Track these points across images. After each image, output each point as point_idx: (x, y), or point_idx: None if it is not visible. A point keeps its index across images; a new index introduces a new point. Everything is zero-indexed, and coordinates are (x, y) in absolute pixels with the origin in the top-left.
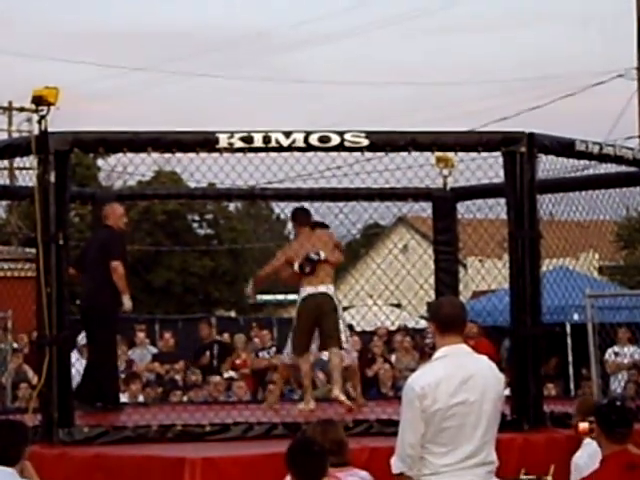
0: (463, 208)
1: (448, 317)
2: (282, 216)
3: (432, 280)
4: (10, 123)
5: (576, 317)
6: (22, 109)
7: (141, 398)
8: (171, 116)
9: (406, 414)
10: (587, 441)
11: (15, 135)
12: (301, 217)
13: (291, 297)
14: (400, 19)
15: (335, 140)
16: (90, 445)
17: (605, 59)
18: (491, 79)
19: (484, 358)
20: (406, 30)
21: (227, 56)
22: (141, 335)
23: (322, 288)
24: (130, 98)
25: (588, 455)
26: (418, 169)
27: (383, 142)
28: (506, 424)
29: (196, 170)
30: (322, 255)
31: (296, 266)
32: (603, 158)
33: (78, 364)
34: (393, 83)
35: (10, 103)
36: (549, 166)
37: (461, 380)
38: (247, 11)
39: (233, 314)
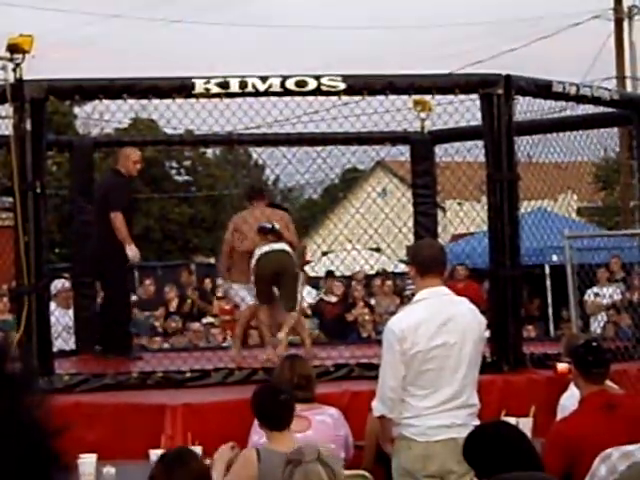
0: (441, 151)
1: (427, 260)
2: (260, 161)
3: (411, 224)
4: None
5: (555, 259)
6: None
7: None
8: (148, 64)
9: (386, 357)
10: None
11: None
12: (258, 193)
13: None
14: None
15: (312, 84)
16: (70, 393)
17: (581, 0)
18: (464, 22)
19: (464, 300)
20: None
21: (203, 2)
22: None
23: (282, 246)
24: (102, 46)
25: (575, 395)
26: (395, 113)
27: (360, 86)
28: (486, 366)
29: (173, 117)
30: (276, 226)
31: (256, 227)
32: (580, 99)
33: (57, 312)
34: (365, 27)
35: None
36: (527, 108)
37: (441, 322)
38: None
39: (212, 260)
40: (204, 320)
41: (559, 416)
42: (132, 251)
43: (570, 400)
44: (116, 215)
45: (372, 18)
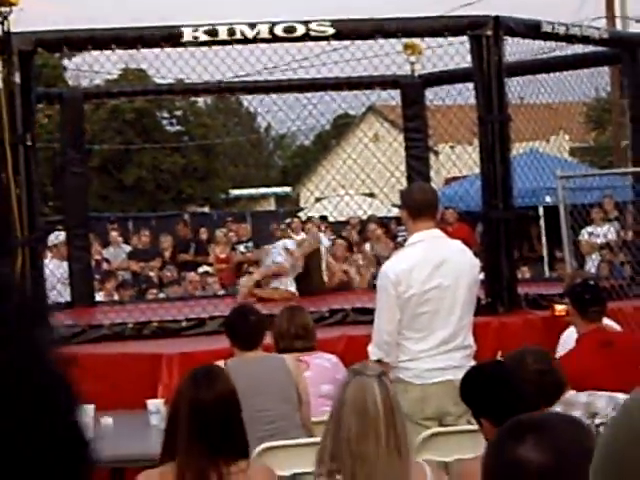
0: (432, 94)
1: (419, 203)
2: (251, 109)
3: (403, 168)
4: None
5: (548, 199)
6: None
7: (116, 297)
8: (135, 12)
9: (381, 301)
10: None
11: None
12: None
13: (262, 190)
14: None
15: (300, 30)
16: (66, 345)
17: None
18: None
19: (457, 242)
20: None
21: None
22: (114, 234)
23: None
24: None
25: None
26: (385, 57)
27: (349, 30)
28: (481, 308)
29: (162, 66)
30: None
31: None
32: (570, 39)
33: (51, 265)
34: None
35: None
36: (517, 49)
37: (435, 265)
38: None
39: (206, 210)
40: (200, 269)
41: (559, 352)
42: None
43: (571, 337)
44: None
45: None
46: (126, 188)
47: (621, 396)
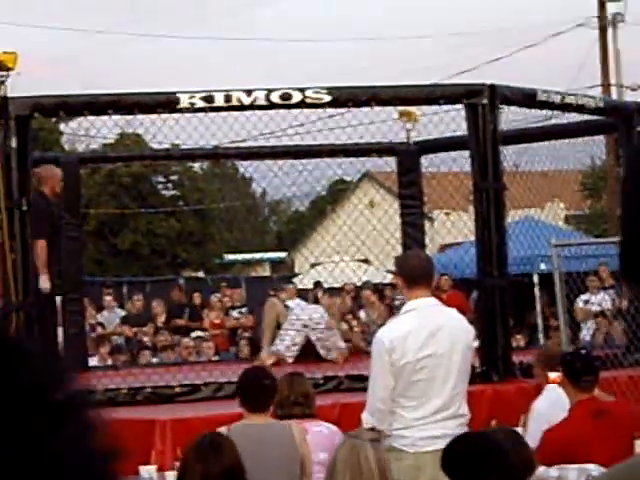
0: (427, 161)
1: (415, 270)
2: (247, 175)
3: (398, 234)
4: None
5: (543, 267)
6: None
7: (110, 362)
8: (133, 78)
9: (376, 368)
10: (549, 387)
11: None
12: None
13: (257, 256)
14: None
15: (297, 97)
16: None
17: (566, 8)
18: (449, 33)
19: (452, 310)
20: None
21: (187, 16)
22: (108, 298)
23: None
24: (88, 61)
25: (550, 401)
26: (381, 124)
27: (345, 97)
28: (475, 376)
29: (158, 131)
30: None
31: None
32: (565, 107)
33: None
34: (350, 39)
35: None
36: (512, 117)
37: (429, 333)
38: None
39: (201, 274)
40: (193, 334)
41: (533, 421)
42: (44, 282)
43: (544, 406)
44: (35, 242)
45: (357, 31)
46: (121, 252)
47: (592, 467)
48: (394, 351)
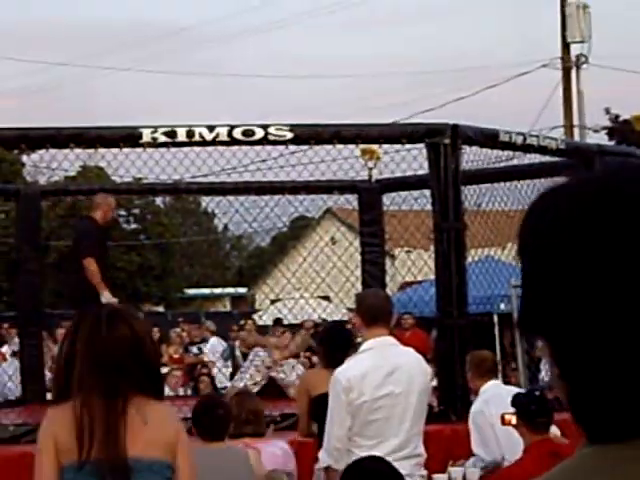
0: (389, 200)
1: (373, 309)
2: (209, 210)
3: (359, 272)
4: None
5: (503, 307)
6: None
7: None
8: (95, 112)
9: (333, 407)
10: (482, 389)
11: None
12: None
13: (218, 291)
14: (317, 13)
15: (259, 133)
16: (16, 443)
17: (531, 49)
18: (414, 71)
19: (410, 350)
20: (325, 24)
21: (150, 51)
22: (62, 332)
23: None
24: (52, 94)
25: (483, 401)
26: (343, 162)
27: (307, 135)
28: (433, 416)
29: (120, 165)
30: None
31: None
32: (527, 148)
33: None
34: (313, 76)
35: None
36: (474, 157)
37: (387, 372)
38: (169, 7)
39: (161, 309)
40: None
41: (474, 428)
42: (106, 297)
43: (478, 406)
44: (88, 261)
45: (313, 68)
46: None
47: None
48: (351, 390)
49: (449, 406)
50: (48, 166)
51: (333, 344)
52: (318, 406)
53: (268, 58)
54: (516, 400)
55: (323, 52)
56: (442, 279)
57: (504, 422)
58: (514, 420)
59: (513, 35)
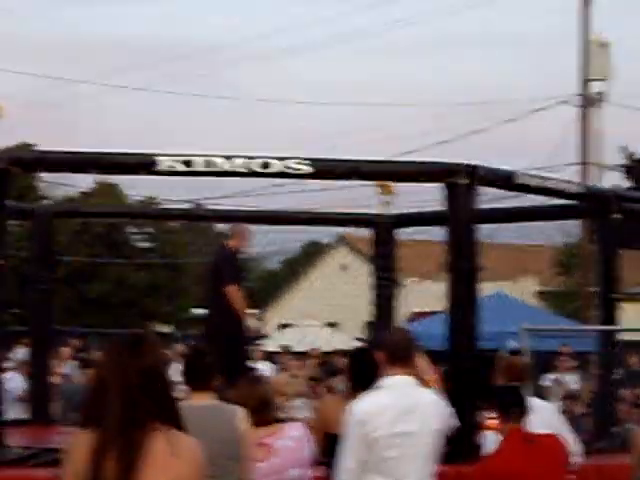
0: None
1: (397, 348)
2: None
3: (369, 299)
4: None
5: (513, 343)
6: None
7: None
8: (119, 127)
9: (347, 439)
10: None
11: None
12: None
13: None
14: (344, 39)
15: (277, 166)
16: (21, 466)
17: (550, 85)
18: (432, 103)
19: (429, 391)
20: (350, 51)
21: (178, 70)
22: (66, 350)
23: None
24: (77, 109)
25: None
26: (358, 192)
27: (325, 170)
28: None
29: (135, 184)
30: None
31: None
32: (543, 191)
33: (12, 380)
34: (336, 103)
35: None
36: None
37: (404, 411)
38: (199, 25)
39: (170, 328)
40: None
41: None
42: (250, 323)
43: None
44: (231, 289)
45: (341, 95)
46: (90, 301)
47: None
48: (367, 423)
49: (456, 446)
50: (64, 182)
51: (362, 369)
52: (332, 445)
53: (286, 83)
54: (495, 392)
55: (344, 78)
56: (453, 319)
57: (487, 427)
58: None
59: (532, 70)
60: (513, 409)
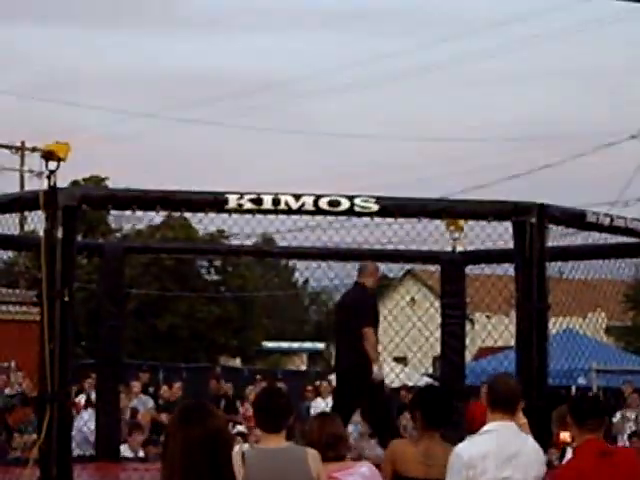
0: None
1: (501, 395)
2: (290, 264)
3: (438, 334)
4: (22, 163)
5: (581, 380)
6: (34, 149)
7: (142, 453)
8: (184, 160)
9: None
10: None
11: (26, 175)
12: None
13: (295, 345)
14: (412, 72)
15: (345, 204)
16: None
17: (619, 119)
18: (503, 136)
19: (530, 438)
20: (417, 84)
21: (243, 104)
22: (137, 384)
23: None
24: (143, 142)
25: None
26: (427, 234)
27: (393, 208)
28: None
29: (204, 217)
30: None
31: None
32: (614, 230)
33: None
34: (403, 138)
35: (23, 143)
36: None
37: (508, 456)
38: (264, 59)
39: (238, 361)
40: (234, 430)
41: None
42: (378, 370)
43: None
44: (368, 330)
45: (407, 128)
46: (159, 334)
47: None
48: (473, 467)
49: None
50: (132, 215)
51: (435, 407)
52: None
53: (361, 115)
54: (570, 401)
55: (413, 111)
56: (522, 359)
57: (559, 441)
58: (568, 437)
59: (602, 104)
60: (590, 419)
